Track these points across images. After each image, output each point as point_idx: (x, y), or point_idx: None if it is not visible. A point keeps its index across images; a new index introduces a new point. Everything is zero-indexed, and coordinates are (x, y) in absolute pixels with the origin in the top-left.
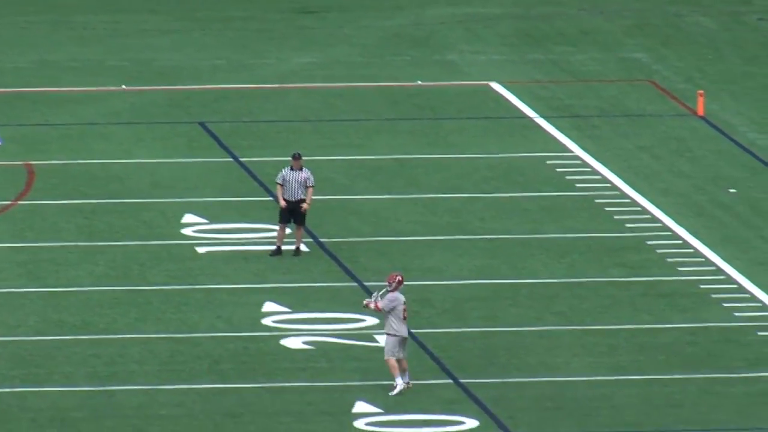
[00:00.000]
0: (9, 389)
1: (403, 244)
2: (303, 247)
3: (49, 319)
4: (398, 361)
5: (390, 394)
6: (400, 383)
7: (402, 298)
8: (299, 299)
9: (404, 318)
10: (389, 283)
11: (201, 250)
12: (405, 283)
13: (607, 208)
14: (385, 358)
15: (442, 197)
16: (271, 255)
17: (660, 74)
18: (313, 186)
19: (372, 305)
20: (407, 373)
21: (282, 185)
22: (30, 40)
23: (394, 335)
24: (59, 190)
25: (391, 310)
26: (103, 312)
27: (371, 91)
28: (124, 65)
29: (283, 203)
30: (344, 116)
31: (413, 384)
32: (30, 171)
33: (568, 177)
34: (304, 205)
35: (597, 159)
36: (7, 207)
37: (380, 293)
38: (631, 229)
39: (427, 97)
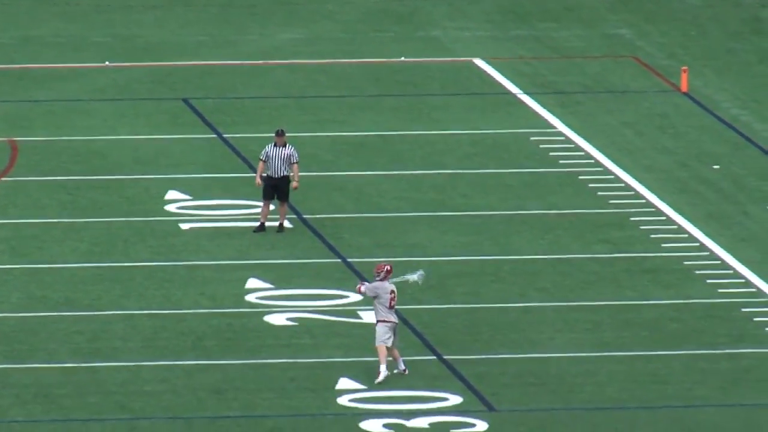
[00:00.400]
0: None
1: (387, 220)
2: (286, 224)
3: (32, 296)
4: (389, 349)
5: (375, 381)
6: (384, 372)
7: (390, 287)
8: (283, 275)
9: (391, 306)
10: (377, 273)
11: (184, 226)
12: (389, 259)
13: (591, 185)
14: (376, 344)
15: (425, 173)
16: (254, 231)
17: (643, 50)
18: (297, 162)
19: (358, 285)
20: (401, 360)
21: (264, 161)
22: (13, 16)
23: (384, 322)
24: (42, 167)
25: (376, 297)
26: (87, 288)
27: (355, 67)
28: (107, 41)
29: (258, 180)
30: (328, 92)
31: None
32: (13, 147)
33: (551, 153)
34: (294, 183)
35: (580, 135)
36: None
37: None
38: (615, 206)
39: (410, 74)
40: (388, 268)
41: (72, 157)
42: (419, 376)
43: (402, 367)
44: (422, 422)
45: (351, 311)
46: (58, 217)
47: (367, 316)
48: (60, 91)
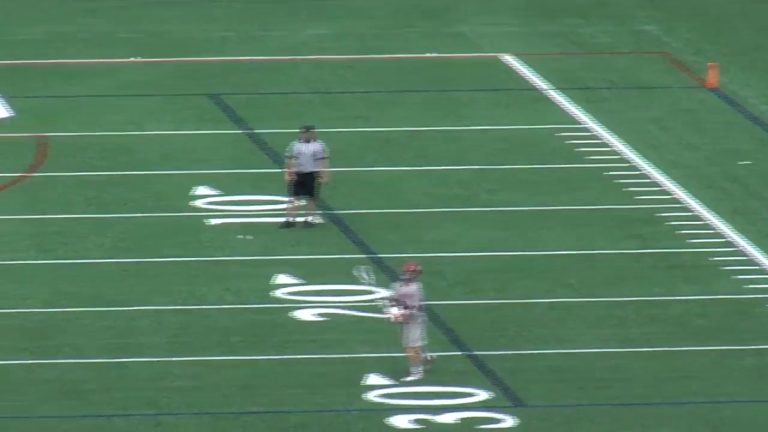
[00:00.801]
0: (20, 361)
1: (415, 215)
2: (314, 219)
3: (59, 291)
4: (416, 347)
5: (406, 379)
6: (418, 374)
7: (418, 285)
8: (310, 271)
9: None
10: (406, 272)
11: (211, 222)
12: (417, 255)
13: (618, 181)
14: (410, 345)
15: (453, 169)
16: (281, 227)
17: (671, 46)
18: (326, 157)
19: (409, 311)
20: (425, 351)
21: (293, 158)
22: (41, 12)
23: (421, 323)
24: (70, 162)
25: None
26: (114, 284)
27: (382, 62)
28: (135, 37)
29: (289, 177)
30: (355, 88)
31: (428, 355)
32: (41, 143)
33: (578, 149)
34: (324, 179)
35: (608, 131)
36: (18, 179)
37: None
38: (642, 201)
39: (438, 69)
40: (419, 268)
41: (99, 152)
42: (447, 371)
43: (428, 354)
44: (450, 418)
45: (378, 307)
46: (84, 212)
47: (395, 312)
48: (88, 87)
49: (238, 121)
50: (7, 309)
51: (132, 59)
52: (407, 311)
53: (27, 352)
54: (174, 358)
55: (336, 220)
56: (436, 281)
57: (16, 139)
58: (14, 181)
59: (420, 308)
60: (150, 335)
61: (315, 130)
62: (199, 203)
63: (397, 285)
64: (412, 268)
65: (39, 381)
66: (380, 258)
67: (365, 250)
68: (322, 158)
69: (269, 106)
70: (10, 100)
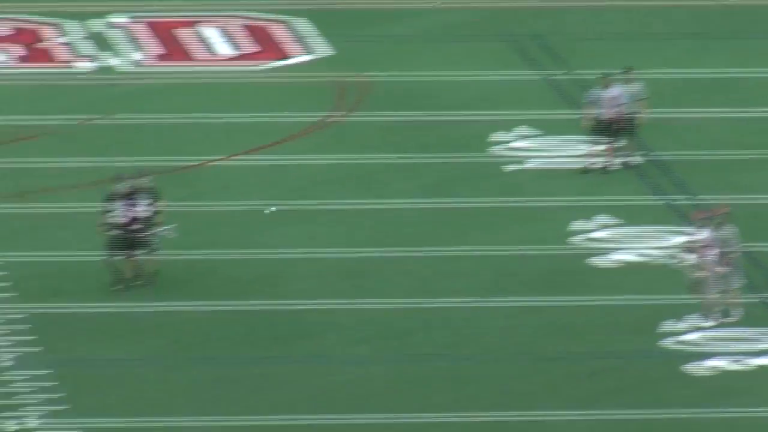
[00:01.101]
0: (339, 303)
1: (729, 160)
2: (621, 162)
3: (360, 235)
4: (723, 292)
5: (714, 322)
6: (728, 317)
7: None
8: (612, 216)
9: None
10: (707, 216)
11: (518, 166)
12: (734, 200)
13: None
14: (708, 294)
15: (760, 115)
16: (585, 171)
17: None
18: (643, 99)
19: (716, 256)
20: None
21: (603, 100)
22: None
23: (729, 268)
24: (374, 106)
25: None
26: (416, 228)
27: (688, 9)
28: None
29: (595, 120)
30: (670, 33)
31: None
32: (348, 87)
33: None
34: (639, 119)
35: None
36: (326, 122)
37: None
38: None
39: (742, 15)
40: (721, 210)
41: (408, 96)
42: (759, 315)
43: (729, 315)
44: (763, 361)
45: (677, 252)
46: (387, 155)
47: (699, 259)
48: (401, 29)
49: (545, 64)
50: (310, 251)
51: (442, 3)
52: (713, 257)
53: (332, 295)
54: (471, 303)
55: (651, 164)
56: (759, 225)
57: (332, 80)
58: (324, 124)
59: (729, 254)
60: (452, 279)
61: (615, 75)
62: (499, 149)
63: (704, 231)
64: (702, 215)
65: (343, 324)
66: (689, 204)
67: (681, 192)
68: (622, 103)
69: (577, 50)
70: (331, 41)
